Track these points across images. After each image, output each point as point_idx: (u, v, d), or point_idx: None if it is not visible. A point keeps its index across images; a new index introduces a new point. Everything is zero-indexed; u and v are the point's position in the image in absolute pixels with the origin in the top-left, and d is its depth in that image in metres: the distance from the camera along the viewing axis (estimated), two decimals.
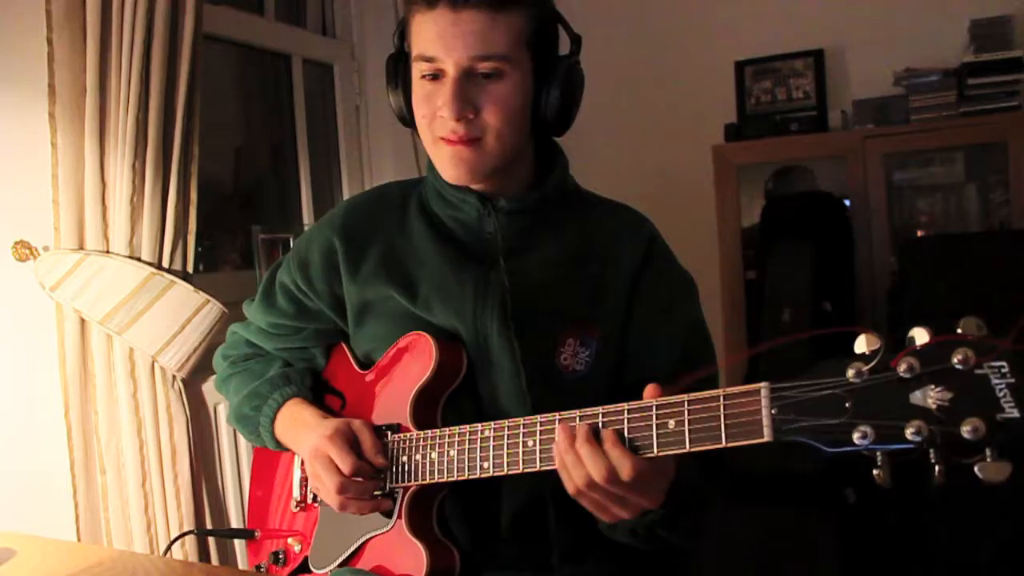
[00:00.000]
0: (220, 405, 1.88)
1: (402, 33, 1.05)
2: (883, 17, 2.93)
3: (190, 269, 1.78)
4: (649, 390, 0.82)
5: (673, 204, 2.60)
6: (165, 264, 1.71)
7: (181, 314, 1.71)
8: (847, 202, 2.88)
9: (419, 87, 1.00)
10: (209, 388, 1.86)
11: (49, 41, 1.55)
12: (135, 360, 1.69)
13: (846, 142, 2.87)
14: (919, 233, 2.91)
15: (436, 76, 0.97)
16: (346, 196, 2.78)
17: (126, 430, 1.68)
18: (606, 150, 3.08)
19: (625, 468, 0.80)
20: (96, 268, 1.61)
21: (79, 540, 1.62)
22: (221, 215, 2.44)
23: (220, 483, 1.90)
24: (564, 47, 1.06)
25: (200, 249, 1.97)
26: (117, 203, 1.65)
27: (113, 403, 1.68)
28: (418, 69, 0.99)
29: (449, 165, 1.01)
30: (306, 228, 2.53)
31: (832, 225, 2.85)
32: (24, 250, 1.60)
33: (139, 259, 1.67)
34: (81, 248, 1.63)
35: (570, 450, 0.83)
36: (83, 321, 1.64)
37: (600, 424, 0.83)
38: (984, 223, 2.86)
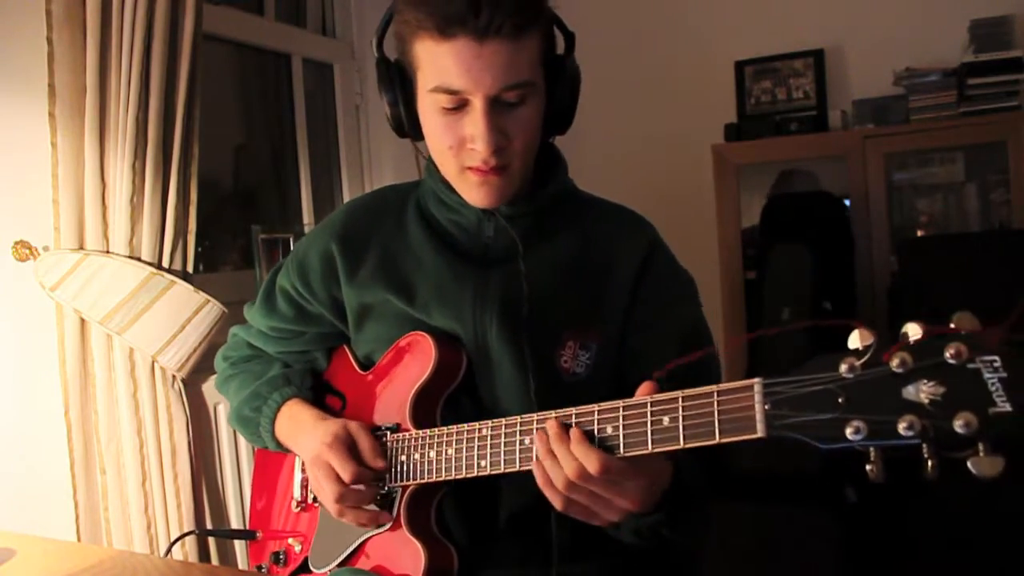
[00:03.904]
0: (220, 405, 1.88)
1: (381, 40, 1.03)
2: (883, 17, 2.93)
3: (190, 269, 1.78)
4: (643, 388, 0.82)
5: (673, 204, 2.60)
6: (165, 264, 1.72)
7: (181, 314, 1.71)
8: (847, 202, 2.88)
9: (438, 116, 0.97)
10: (209, 388, 1.86)
11: (49, 41, 1.55)
12: (135, 360, 1.69)
13: (846, 142, 2.87)
14: (919, 233, 2.91)
15: (457, 107, 0.95)
16: (346, 196, 2.78)
17: (126, 430, 1.68)
18: (606, 150, 3.08)
19: (592, 463, 0.80)
20: (96, 268, 1.61)
21: (79, 540, 1.62)
22: (221, 215, 2.44)
23: (220, 483, 1.90)
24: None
25: (200, 249, 1.97)
26: (117, 203, 1.65)
27: (113, 403, 1.68)
28: (436, 101, 0.95)
29: (480, 194, 1.00)
30: (306, 228, 2.54)
31: (832, 225, 2.85)
32: (24, 250, 1.60)
33: (139, 259, 1.67)
34: (81, 248, 1.63)
35: (548, 455, 0.84)
36: (83, 321, 1.65)
37: (572, 422, 0.84)
38: (984, 223, 2.85)
